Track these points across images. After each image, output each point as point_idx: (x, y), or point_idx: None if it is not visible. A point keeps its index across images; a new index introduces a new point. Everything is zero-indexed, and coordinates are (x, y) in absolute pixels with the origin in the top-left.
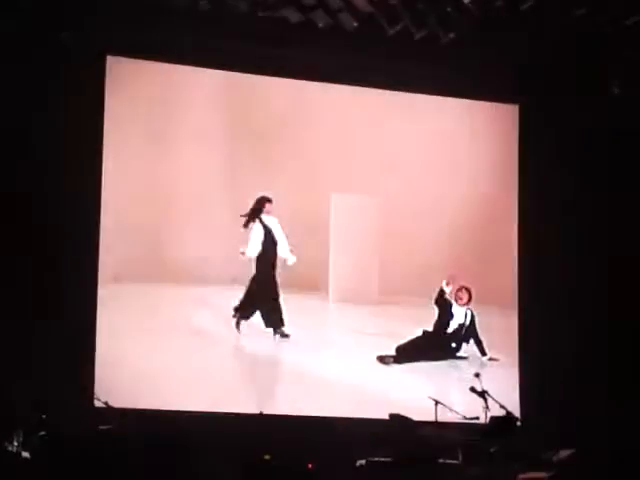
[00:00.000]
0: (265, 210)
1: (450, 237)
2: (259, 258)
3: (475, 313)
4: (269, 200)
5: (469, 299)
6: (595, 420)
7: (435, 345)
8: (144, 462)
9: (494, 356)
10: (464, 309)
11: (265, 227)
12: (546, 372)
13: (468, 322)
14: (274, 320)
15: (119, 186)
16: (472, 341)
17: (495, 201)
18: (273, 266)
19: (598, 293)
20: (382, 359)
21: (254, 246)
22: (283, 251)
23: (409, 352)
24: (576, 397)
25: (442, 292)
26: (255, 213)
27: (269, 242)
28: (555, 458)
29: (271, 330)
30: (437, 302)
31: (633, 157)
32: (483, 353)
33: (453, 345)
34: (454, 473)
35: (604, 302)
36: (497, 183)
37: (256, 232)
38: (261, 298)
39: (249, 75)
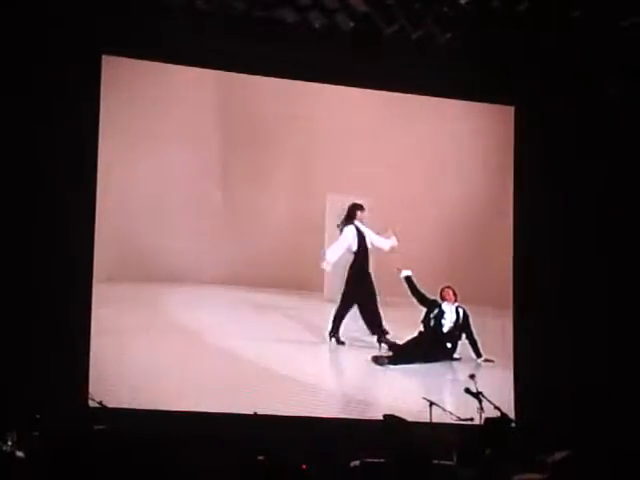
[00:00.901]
0: (357, 217)
1: (445, 238)
2: (352, 264)
3: (469, 312)
4: (359, 207)
5: (455, 297)
6: (590, 421)
7: (431, 346)
8: (138, 462)
9: (489, 357)
10: (454, 306)
11: (359, 232)
12: (541, 373)
13: (461, 320)
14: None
15: (114, 185)
16: (467, 342)
17: (491, 202)
18: (367, 270)
19: (594, 294)
20: (377, 359)
21: (336, 250)
22: (379, 243)
23: (404, 353)
24: (571, 398)
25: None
26: (348, 219)
27: (362, 246)
28: (550, 460)
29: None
30: (423, 303)
31: (629, 158)
32: (478, 355)
33: (449, 346)
34: (448, 474)
35: (600, 303)
36: (492, 184)
37: (344, 236)
38: (358, 300)
39: (245, 75)
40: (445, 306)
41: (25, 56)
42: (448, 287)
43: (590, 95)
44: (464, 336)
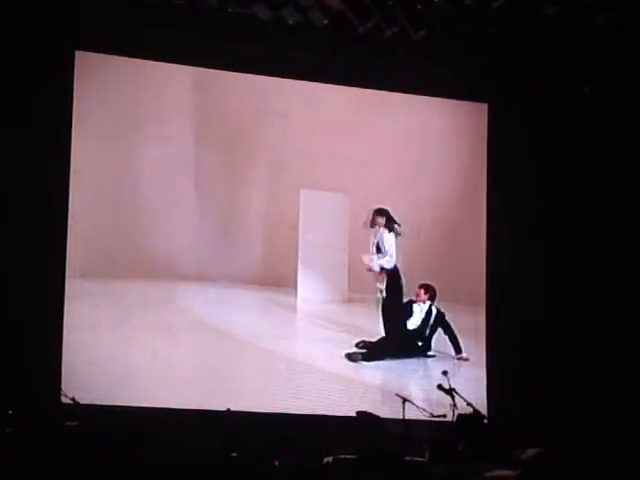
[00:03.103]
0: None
1: (419, 235)
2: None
3: (443, 310)
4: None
5: (429, 296)
6: (562, 419)
7: (400, 342)
8: (111, 458)
9: (464, 355)
10: (425, 305)
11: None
12: (513, 371)
13: (433, 319)
14: None
15: (86, 181)
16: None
17: (464, 199)
18: None
19: (566, 292)
20: (350, 356)
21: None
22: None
23: (376, 349)
24: (543, 396)
25: None
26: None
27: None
28: (522, 456)
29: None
30: None
31: (602, 156)
32: (457, 351)
33: (419, 343)
34: (421, 471)
35: (572, 301)
36: (466, 181)
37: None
38: None
39: (218, 71)
40: (415, 306)
41: None
42: (420, 286)
43: (564, 92)
44: (442, 333)
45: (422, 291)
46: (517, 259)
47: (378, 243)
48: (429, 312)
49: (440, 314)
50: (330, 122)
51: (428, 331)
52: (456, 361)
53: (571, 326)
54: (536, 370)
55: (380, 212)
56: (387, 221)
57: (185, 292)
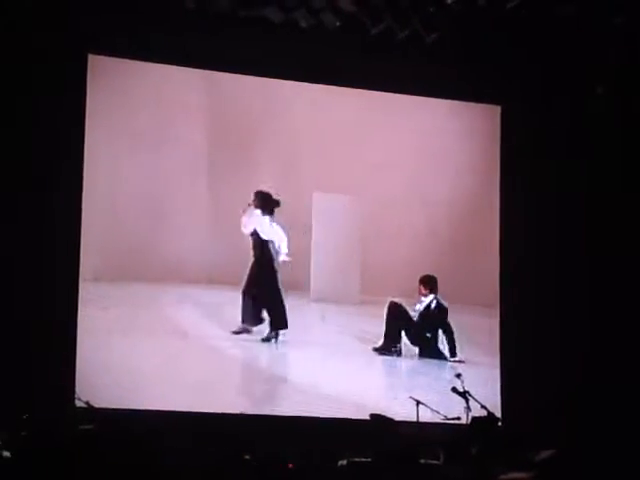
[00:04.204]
0: None
1: (432, 237)
2: None
3: (446, 306)
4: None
5: (429, 290)
6: (576, 420)
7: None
8: (125, 462)
9: (457, 358)
10: (427, 299)
11: None
12: (527, 372)
13: (432, 311)
14: None
15: (100, 184)
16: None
17: (477, 201)
18: None
19: (580, 292)
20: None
21: None
22: None
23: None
24: (557, 398)
25: None
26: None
27: None
28: (536, 458)
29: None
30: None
31: (615, 157)
32: (451, 354)
33: (428, 335)
34: (435, 473)
35: (587, 302)
36: (479, 183)
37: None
38: None
39: (231, 75)
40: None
41: (11, 55)
42: (420, 281)
43: (578, 94)
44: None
45: (422, 286)
46: (530, 261)
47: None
48: (429, 305)
49: (442, 309)
50: (342, 124)
51: (429, 323)
52: (452, 363)
53: (585, 328)
54: (550, 372)
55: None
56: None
57: (197, 295)
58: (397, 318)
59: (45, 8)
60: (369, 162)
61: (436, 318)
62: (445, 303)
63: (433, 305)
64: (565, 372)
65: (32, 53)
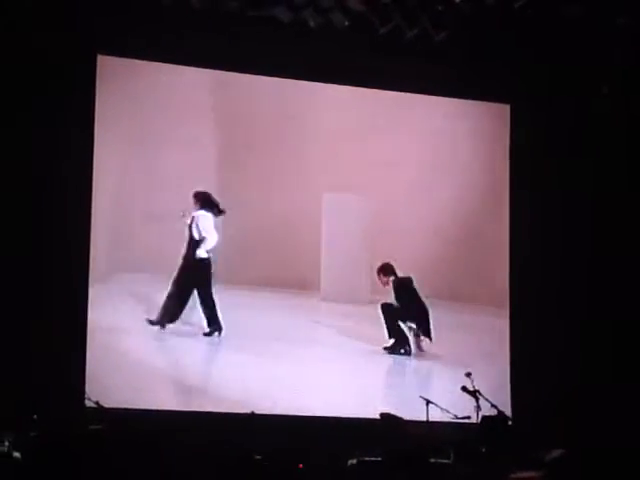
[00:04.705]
0: None
1: (442, 237)
2: None
3: (408, 275)
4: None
5: (389, 276)
6: (586, 420)
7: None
8: (134, 462)
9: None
10: (391, 285)
11: None
12: (537, 372)
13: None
14: None
15: (110, 185)
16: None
17: (486, 201)
18: None
19: (590, 292)
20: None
21: None
22: None
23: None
24: (567, 397)
25: None
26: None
27: None
28: (546, 458)
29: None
30: None
31: (622, 156)
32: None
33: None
34: (445, 473)
35: (596, 301)
36: (488, 183)
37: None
38: None
39: (240, 74)
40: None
41: (20, 56)
42: (377, 272)
43: (585, 93)
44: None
45: (382, 276)
46: (540, 260)
47: (191, 228)
48: (397, 289)
49: (406, 279)
50: (351, 124)
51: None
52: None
53: (596, 326)
54: (560, 370)
55: (195, 195)
56: (203, 202)
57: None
58: (394, 317)
59: (54, 9)
60: (378, 161)
61: (407, 293)
62: (403, 274)
63: (397, 284)
64: (575, 371)
65: (42, 54)
